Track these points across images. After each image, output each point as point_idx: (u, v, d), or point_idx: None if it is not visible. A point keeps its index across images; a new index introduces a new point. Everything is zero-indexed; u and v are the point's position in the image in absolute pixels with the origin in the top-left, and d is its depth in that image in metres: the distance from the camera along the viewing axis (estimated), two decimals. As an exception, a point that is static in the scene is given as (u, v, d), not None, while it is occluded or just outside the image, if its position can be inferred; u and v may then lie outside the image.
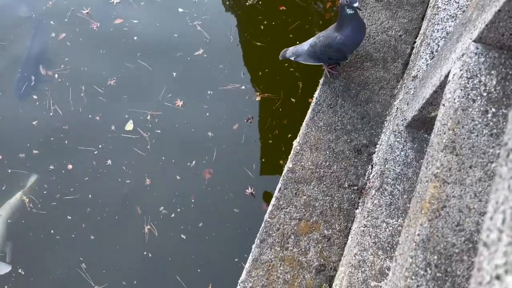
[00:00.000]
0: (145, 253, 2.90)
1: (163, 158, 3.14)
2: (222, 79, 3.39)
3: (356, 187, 2.11)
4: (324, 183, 2.14)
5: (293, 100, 3.35)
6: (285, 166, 2.21)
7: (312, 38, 2.43)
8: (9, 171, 3.17)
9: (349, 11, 2.09)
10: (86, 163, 3.13)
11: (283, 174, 2.19)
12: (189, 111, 3.32)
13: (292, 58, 2.54)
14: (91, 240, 2.94)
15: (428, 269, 1.07)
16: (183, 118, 3.29)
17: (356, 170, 2.17)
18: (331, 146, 2.21)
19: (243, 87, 3.38)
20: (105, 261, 2.90)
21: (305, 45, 2.45)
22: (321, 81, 2.41)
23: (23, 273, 2.81)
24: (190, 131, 3.23)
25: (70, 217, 3.00)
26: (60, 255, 2.89)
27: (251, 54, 3.59)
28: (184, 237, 2.93)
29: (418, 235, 1.11)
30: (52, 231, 2.96)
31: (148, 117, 3.25)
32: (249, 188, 3.06)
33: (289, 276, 1.98)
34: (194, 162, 3.15)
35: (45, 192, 3.09)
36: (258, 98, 3.36)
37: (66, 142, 3.25)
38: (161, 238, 2.93)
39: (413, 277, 1.07)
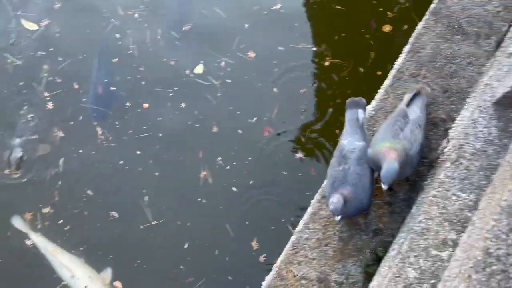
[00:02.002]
0: (199, 199, 3.01)
1: (230, 108, 3.23)
2: (295, 37, 3.38)
3: (427, 160, 2.08)
4: (394, 151, 2.11)
5: (361, 70, 3.30)
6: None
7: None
8: (82, 104, 3.35)
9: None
10: (161, 104, 3.27)
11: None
12: (259, 64, 3.35)
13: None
14: (155, 176, 3.09)
15: (510, 234, 1.05)
16: (253, 70, 3.34)
17: (429, 142, 2.12)
18: (407, 115, 2.17)
19: (315, 48, 3.36)
20: (165, 199, 3.04)
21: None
22: (406, 48, 2.34)
23: (92, 194, 3.02)
24: (257, 85, 3.28)
25: (139, 152, 3.16)
26: (126, 185, 3.07)
27: (329, 17, 3.54)
28: (236, 190, 3.02)
29: (505, 200, 1.09)
30: (121, 162, 3.13)
31: (222, 64, 3.32)
32: (299, 153, 3.08)
33: (345, 235, 2.01)
34: (255, 118, 3.21)
35: (118, 127, 3.26)
36: (327, 63, 3.33)
37: (143, 83, 3.39)
38: (214, 187, 3.04)
39: (494, 240, 1.06)
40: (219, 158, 3.11)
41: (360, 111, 2.11)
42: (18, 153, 3.16)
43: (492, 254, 1.09)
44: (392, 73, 2.27)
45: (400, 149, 1.82)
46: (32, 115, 3.30)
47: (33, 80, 3.44)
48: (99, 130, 3.23)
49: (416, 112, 1.99)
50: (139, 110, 3.28)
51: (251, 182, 3.04)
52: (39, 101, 3.35)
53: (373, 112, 2.20)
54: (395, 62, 2.37)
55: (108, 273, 2.82)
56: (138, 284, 2.77)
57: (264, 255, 2.84)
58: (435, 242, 1.65)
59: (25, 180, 3.09)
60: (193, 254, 2.85)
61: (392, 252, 1.79)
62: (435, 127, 2.14)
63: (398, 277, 1.63)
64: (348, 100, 2.21)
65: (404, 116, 1.96)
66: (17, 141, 3.22)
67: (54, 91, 3.37)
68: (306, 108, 3.24)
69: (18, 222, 2.94)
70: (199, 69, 3.38)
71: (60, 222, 2.94)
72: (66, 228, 2.91)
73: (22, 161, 3.13)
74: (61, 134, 3.23)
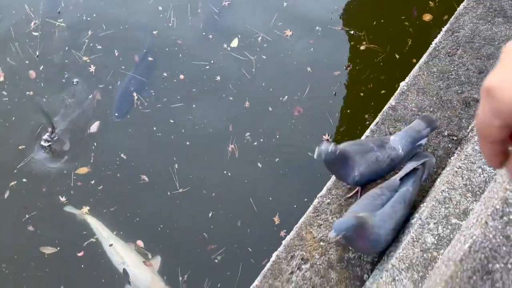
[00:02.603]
0: (225, 172, 3.08)
1: (263, 84, 3.28)
2: (333, 18, 3.40)
3: (456, 138, 2.06)
4: (423, 128, 2.11)
5: (397, 56, 3.28)
6: (388, 103, 2.21)
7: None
8: (121, 71, 3.47)
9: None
10: (197, 76, 3.36)
11: (383, 110, 2.20)
12: (295, 43, 3.39)
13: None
14: (186, 145, 3.19)
15: (530, 184, 1.06)
16: (289, 48, 3.38)
17: (460, 121, 2.11)
18: (439, 93, 2.16)
19: (352, 31, 3.37)
20: (193, 167, 3.13)
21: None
22: (445, 27, 2.33)
23: (125, 157, 3.14)
24: (292, 63, 3.32)
25: (172, 121, 3.26)
26: (157, 151, 3.19)
27: (370, 2, 3.55)
28: (260, 166, 3.07)
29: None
30: (154, 128, 3.24)
31: (259, 40, 3.38)
32: (327, 135, 3.10)
33: (367, 203, 2.02)
34: (286, 97, 3.24)
35: (153, 94, 3.37)
36: (363, 47, 3.32)
37: (180, 55, 3.49)
38: (240, 161, 3.11)
39: (513, 187, 1.07)
40: (248, 134, 3.18)
41: (426, 131, 1.95)
42: (58, 114, 3.32)
43: (511, 204, 1.09)
44: (428, 50, 2.27)
45: (368, 220, 1.71)
46: (75, 78, 3.45)
47: (77, 44, 3.60)
48: (135, 96, 3.34)
49: (407, 184, 1.84)
50: (175, 80, 3.38)
51: (276, 160, 3.09)
52: (81, 65, 3.50)
53: (405, 88, 2.20)
54: (433, 41, 2.36)
55: (157, 261, 2.85)
56: (159, 247, 2.86)
57: (284, 230, 2.88)
58: (456, 211, 1.65)
59: (62, 140, 3.24)
60: (216, 223, 2.93)
61: (411, 221, 1.80)
62: (467, 106, 2.13)
63: (416, 241, 1.64)
64: (425, 114, 2.08)
65: (393, 190, 1.83)
66: (59, 102, 3.38)
67: (94, 55, 3.52)
68: (337, 91, 3.26)
69: (69, 208, 2.99)
70: (234, 42, 3.46)
71: (92, 182, 3.07)
72: (99, 188, 3.04)
73: (60, 123, 3.29)
74: (98, 97, 3.37)
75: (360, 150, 1.87)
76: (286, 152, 3.11)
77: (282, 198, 3.02)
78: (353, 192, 2.02)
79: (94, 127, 3.27)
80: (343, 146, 1.90)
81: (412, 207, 1.83)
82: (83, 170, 3.12)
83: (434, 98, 2.15)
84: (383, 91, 3.19)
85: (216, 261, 2.82)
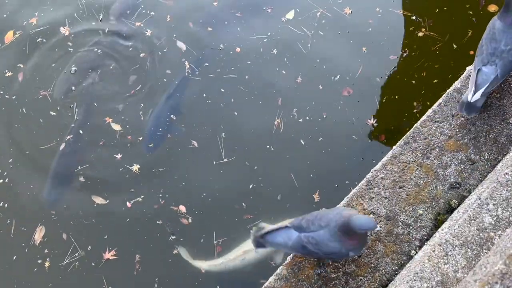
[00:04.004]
0: (268, 146, 3.10)
1: (318, 60, 3.27)
2: (395, 2, 3.34)
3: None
4: (488, 112, 2.07)
5: (455, 46, 3.20)
6: (453, 84, 2.18)
7: (297, 221, 1.89)
8: (174, 39, 3.51)
9: None
10: (254, 49, 3.38)
11: (447, 91, 2.17)
12: (354, 22, 3.37)
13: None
14: (235, 115, 3.22)
15: None
16: (347, 27, 3.36)
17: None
18: (508, 79, 2.11)
19: (414, 17, 3.31)
20: (238, 138, 3.17)
21: (289, 237, 1.87)
22: None
23: (174, 118, 3.21)
24: (349, 42, 3.29)
25: (223, 90, 3.30)
26: (206, 117, 3.23)
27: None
28: (303, 143, 3.08)
29: None
30: (204, 95, 3.29)
31: (318, 15, 3.37)
32: (372, 119, 3.07)
33: (421, 182, 2.01)
34: (338, 76, 3.23)
35: (206, 64, 3.41)
36: (421, 34, 3.26)
37: (238, 29, 3.50)
38: (284, 135, 3.12)
39: None
40: (295, 110, 3.18)
41: None
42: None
43: None
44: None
45: None
46: (130, 43, 3.53)
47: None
48: (186, 64, 3.39)
49: None
50: (231, 52, 3.41)
51: (320, 139, 3.09)
52: (135, 30, 3.57)
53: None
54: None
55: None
56: (200, 212, 2.93)
57: (324, 208, 2.88)
58: (519, 194, 1.62)
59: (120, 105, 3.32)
60: (256, 195, 2.97)
61: (468, 201, 1.78)
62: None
63: (473, 220, 1.63)
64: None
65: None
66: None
67: (145, 19, 3.58)
68: (389, 75, 3.22)
69: (184, 252, 2.90)
70: (290, 14, 3.47)
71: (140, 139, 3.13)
72: (150, 145, 3.12)
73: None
74: (149, 60, 3.43)
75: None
76: (330, 132, 3.11)
77: (323, 177, 3.02)
78: None
79: (144, 88, 3.33)
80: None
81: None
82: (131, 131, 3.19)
83: (502, 85, 2.11)
84: (435, 80, 3.14)
85: (251, 231, 2.86)
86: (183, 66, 3.38)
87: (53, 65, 3.43)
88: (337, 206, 2.08)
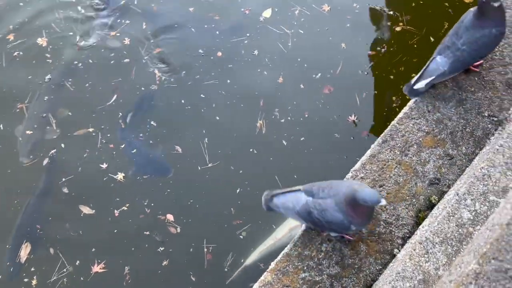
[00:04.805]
0: (251, 150, 3.09)
1: (299, 59, 3.27)
2: (371, -3, 3.37)
3: (496, 119, 2.03)
4: (463, 106, 2.08)
5: (432, 39, 3.22)
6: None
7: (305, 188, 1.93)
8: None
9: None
10: (235, 51, 3.37)
11: (424, 87, 2.17)
12: (333, 19, 3.37)
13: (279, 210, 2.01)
14: (216, 120, 3.21)
15: None
16: (326, 24, 3.37)
17: (501, 102, 2.06)
18: (482, 73, 2.12)
19: (391, 12, 3.32)
20: (222, 142, 3.16)
21: (297, 202, 1.90)
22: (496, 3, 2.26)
23: (155, 124, 3.19)
24: (328, 39, 3.29)
25: (203, 96, 3.28)
26: (187, 124, 3.21)
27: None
28: (285, 144, 3.07)
29: None
30: (182, 101, 3.26)
31: (296, 13, 3.37)
32: (353, 116, 3.07)
33: (401, 179, 2.01)
34: (319, 74, 3.22)
35: (184, 73, 3.38)
36: (398, 28, 3.27)
37: (217, 32, 3.49)
38: (266, 137, 3.11)
39: None
40: (277, 110, 3.17)
41: None
42: None
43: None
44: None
45: None
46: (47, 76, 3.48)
47: None
48: (157, 73, 3.36)
49: None
50: (212, 58, 3.39)
51: (302, 139, 3.08)
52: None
53: (446, 66, 2.16)
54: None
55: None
56: (189, 219, 2.91)
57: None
58: (495, 188, 1.63)
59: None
60: (243, 199, 2.96)
61: (447, 197, 1.78)
62: (510, 88, 2.08)
63: (451, 216, 1.63)
64: None
65: None
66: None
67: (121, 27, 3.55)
68: (368, 71, 3.23)
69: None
70: (267, 13, 3.47)
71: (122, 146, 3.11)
72: (133, 152, 3.10)
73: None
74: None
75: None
76: (312, 132, 3.11)
77: (307, 177, 2.98)
78: None
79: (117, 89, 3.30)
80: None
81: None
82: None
83: (476, 78, 2.11)
84: (413, 75, 3.15)
85: (241, 236, 2.85)
86: (154, 77, 3.35)
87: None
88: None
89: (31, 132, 3.22)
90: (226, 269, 2.74)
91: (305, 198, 1.89)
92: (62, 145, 3.15)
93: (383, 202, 1.63)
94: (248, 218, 2.91)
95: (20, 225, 2.93)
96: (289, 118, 3.15)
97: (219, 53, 3.39)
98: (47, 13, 3.67)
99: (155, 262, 2.78)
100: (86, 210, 2.95)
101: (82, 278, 2.75)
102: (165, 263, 2.77)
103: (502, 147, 1.69)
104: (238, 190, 2.98)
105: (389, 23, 3.30)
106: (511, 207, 1.09)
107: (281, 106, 3.18)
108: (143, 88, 3.34)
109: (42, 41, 3.52)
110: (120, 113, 3.23)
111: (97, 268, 2.77)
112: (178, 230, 2.87)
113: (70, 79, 3.39)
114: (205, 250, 2.83)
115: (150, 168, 3.13)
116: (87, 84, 3.37)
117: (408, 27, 3.29)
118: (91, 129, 3.19)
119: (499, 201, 1.60)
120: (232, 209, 2.93)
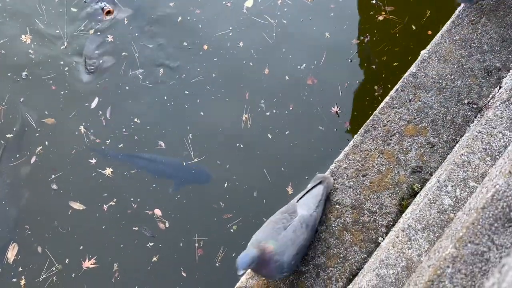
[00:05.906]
0: (237, 144, 3.10)
1: (284, 50, 3.27)
2: (355, -16, 3.36)
3: (476, 106, 2.05)
4: (444, 94, 2.10)
5: (414, 27, 3.24)
6: (408, 70, 2.20)
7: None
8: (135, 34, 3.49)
9: None
10: (220, 44, 3.35)
11: (403, 77, 2.19)
12: (316, 8, 3.38)
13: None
14: (201, 116, 3.20)
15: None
16: (309, 14, 3.37)
17: (480, 89, 2.09)
18: (461, 61, 2.15)
19: (374, 1, 3.33)
20: (208, 137, 3.14)
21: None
22: (468, -6, 2.29)
23: (139, 122, 3.17)
24: (312, 29, 3.29)
25: (187, 92, 3.26)
26: (171, 120, 3.20)
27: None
28: (270, 137, 3.08)
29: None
30: (165, 97, 3.24)
31: (279, 2, 3.36)
32: (335, 107, 3.09)
33: (384, 168, 2.04)
34: (304, 65, 3.23)
35: (167, 69, 3.35)
36: (381, 18, 3.29)
37: (200, 26, 3.46)
38: (252, 131, 3.11)
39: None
40: (262, 101, 3.17)
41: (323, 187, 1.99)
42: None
43: (532, 157, 1.10)
44: (451, 18, 2.24)
45: (271, 248, 1.75)
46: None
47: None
48: (139, 75, 3.34)
49: (309, 208, 1.87)
50: (200, 52, 3.36)
51: (287, 132, 3.09)
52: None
53: (426, 55, 2.19)
54: (456, 9, 2.33)
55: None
56: (177, 214, 2.91)
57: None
58: (475, 174, 1.66)
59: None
60: (232, 193, 2.97)
61: (428, 185, 1.81)
62: (489, 75, 2.11)
63: (433, 203, 1.66)
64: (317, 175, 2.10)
65: (292, 212, 1.86)
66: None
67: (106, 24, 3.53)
68: (352, 61, 3.24)
69: None
70: (249, 3, 3.46)
71: (107, 142, 3.11)
72: (119, 146, 3.09)
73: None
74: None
75: (272, 233, 1.80)
76: (296, 125, 3.11)
77: (293, 170, 3.03)
78: None
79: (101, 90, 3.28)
80: (255, 240, 1.83)
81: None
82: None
83: (455, 66, 2.14)
84: (395, 63, 3.18)
85: (232, 230, 2.86)
86: (137, 78, 3.33)
87: None
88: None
89: None
90: (217, 264, 2.75)
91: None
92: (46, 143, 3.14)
93: (238, 272, 1.68)
94: (237, 211, 2.91)
95: None
96: (274, 111, 3.15)
97: (205, 46, 3.37)
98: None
99: (144, 258, 2.78)
100: (76, 205, 2.94)
101: (73, 275, 2.75)
102: (155, 259, 2.78)
103: (481, 134, 1.72)
104: (226, 184, 2.98)
105: (372, 12, 3.31)
106: (486, 191, 1.11)
107: (267, 98, 3.18)
108: (127, 88, 3.32)
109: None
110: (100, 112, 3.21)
111: (88, 264, 2.77)
112: (167, 225, 2.88)
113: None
114: (196, 245, 2.83)
115: (190, 177, 3.11)
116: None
117: (391, 16, 3.31)
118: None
119: (478, 186, 1.63)
120: (221, 203, 2.93)
